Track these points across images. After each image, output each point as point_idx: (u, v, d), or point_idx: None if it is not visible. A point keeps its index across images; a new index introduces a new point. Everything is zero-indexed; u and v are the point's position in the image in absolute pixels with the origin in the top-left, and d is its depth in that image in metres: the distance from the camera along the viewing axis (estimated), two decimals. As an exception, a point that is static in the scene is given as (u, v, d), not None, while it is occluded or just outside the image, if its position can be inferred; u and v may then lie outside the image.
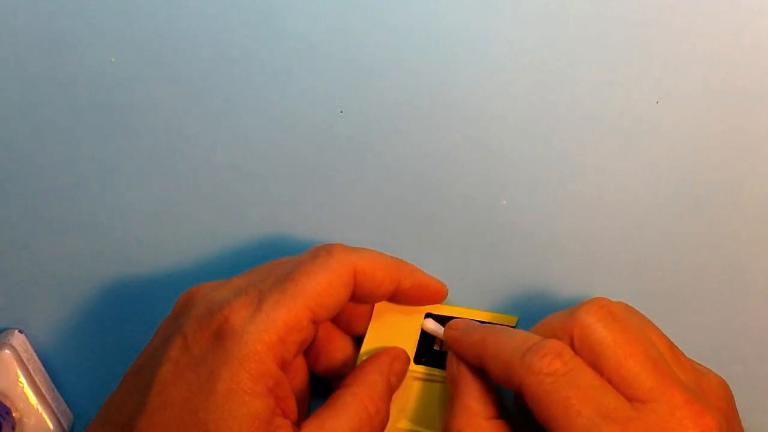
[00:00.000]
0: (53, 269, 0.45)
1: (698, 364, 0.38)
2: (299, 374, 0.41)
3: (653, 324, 0.38)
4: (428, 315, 0.42)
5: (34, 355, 0.45)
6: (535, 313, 0.42)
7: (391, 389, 0.39)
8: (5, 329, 0.46)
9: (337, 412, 0.36)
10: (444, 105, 0.42)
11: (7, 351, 0.44)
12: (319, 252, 0.38)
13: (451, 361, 0.39)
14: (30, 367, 0.44)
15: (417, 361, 0.41)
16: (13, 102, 0.43)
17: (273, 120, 0.43)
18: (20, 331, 0.45)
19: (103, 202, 0.44)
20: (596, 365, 0.35)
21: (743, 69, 0.40)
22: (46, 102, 0.43)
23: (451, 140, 0.42)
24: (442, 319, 0.42)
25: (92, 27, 0.42)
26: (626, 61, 0.41)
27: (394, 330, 0.41)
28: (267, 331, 0.35)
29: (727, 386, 0.38)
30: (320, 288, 0.37)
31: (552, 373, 0.34)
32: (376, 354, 0.40)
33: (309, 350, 0.41)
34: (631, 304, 0.38)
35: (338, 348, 0.41)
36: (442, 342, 0.41)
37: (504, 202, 0.43)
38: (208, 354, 0.35)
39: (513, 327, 0.42)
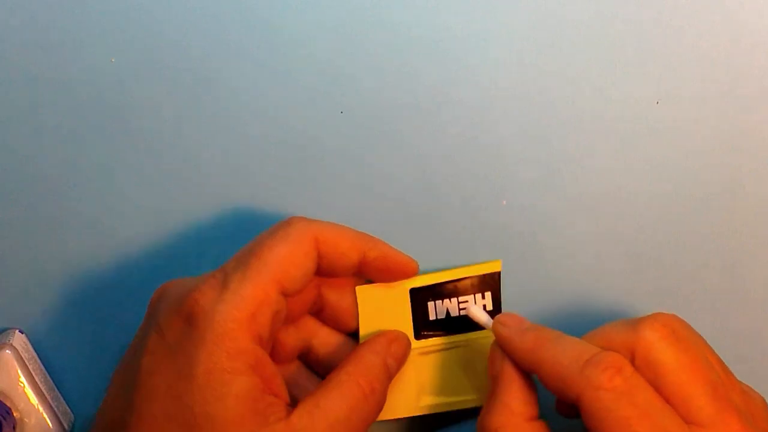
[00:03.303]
0: (53, 269, 0.45)
1: (743, 383, 0.37)
2: (292, 366, 0.41)
3: (706, 342, 0.37)
4: (413, 290, 0.41)
5: (35, 355, 0.45)
6: (535, 313, 0.42)
7: (388, 370, 0.39)
8: (5, 329, 0.45)
9: (331, 392, 0.36)
10: (444, 105, 0.42)
11: (7, 351, 0.43)
12: (279, 225, 0.38)
13: (495, 357, 0.38)
14: (30, 367, 0.44)
15: (418, 336, 0.41)
16: (13, 102, 0.43)
17: (273, 120, 0.43)
18: (20, 331, 0.45)
19: (103, 202, 0.44)
20: (656, 384, 0.34)
21: (743, 69, 0.40)
22: (46, 102, 0.43)
23: (451, 140, 0.42)
24: (429, 290, 0.41)
25: (92, 27, 0.42)
26: (626, 61, 0.41)
27: (385, 312, 0.41)
28: (237, 308, 0.35)
29: (766, 404, 0.37)
30: (283, 259, 0.37)
31: (612, 389, 0.33)
32: (374, 336, 0.40)
33: (310, 354, 0.41)
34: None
35: (339, 349, 0.41)
36: (436, 310, 0.41)
37: (504, 202, 0.43)
38: (182, 339, 0.35)
39: (498, 272, 0.41)
